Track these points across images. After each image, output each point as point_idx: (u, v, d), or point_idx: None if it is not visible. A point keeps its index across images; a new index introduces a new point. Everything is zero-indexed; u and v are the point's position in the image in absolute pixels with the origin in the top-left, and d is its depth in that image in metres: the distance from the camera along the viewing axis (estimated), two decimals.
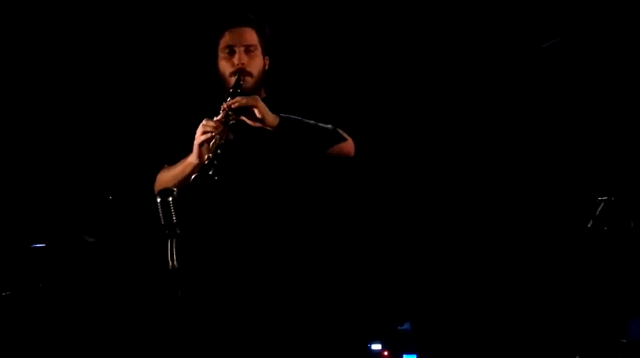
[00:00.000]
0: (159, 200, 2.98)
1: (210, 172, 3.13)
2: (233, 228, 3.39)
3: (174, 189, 3.03)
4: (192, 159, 3.28)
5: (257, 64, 3.45)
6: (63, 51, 4.82)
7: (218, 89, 3.46)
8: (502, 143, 4.62)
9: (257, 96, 3.33)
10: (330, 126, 3.39)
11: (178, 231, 2.97)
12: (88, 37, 4.83)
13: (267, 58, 3.50)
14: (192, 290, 3.26)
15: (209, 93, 3.49)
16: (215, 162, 3.16)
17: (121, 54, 4.83)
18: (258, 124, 3.29)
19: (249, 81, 3.42)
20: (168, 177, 3.38)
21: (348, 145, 3.44)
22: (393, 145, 4.75)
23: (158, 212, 2.97)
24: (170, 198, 2.98)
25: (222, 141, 3.22)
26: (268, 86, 3.54)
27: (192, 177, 3.15)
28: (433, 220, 4.76)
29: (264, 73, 3.49)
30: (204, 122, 3.25)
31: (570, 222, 4.23)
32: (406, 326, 4.43)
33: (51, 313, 4.31)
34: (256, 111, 3.27)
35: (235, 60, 3.42)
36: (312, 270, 3.46)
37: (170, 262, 2.96)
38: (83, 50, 4.83)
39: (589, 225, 3.64)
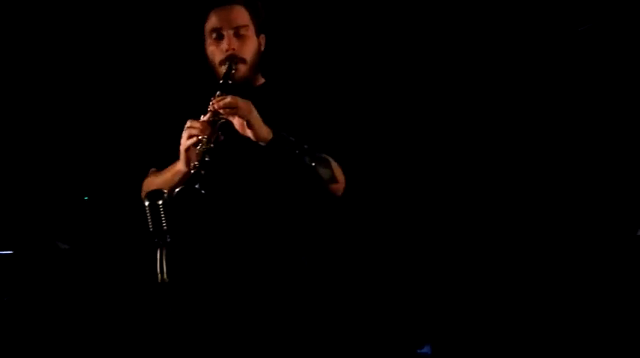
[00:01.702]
0: (147, 203, 2.63)
1: (197, 185, 2.74)
2: (231, 239, 3.02)
3: (165, 191, 2.66)
4: (181, 166, 2.91)
5: (250, 47, 3.05)
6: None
7: (211, 80, 3.06)
8: (529, 151, 4.34)
9: (250, 105, 2.90)
10: (324, 156, 2.95)
11: (169, 240, 2.62)
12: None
13: (262, 36, 3.11)
14: (185, 308, 2.90)
15: (201, 85, 3.11)
16: (202, 172, 2.77)
17: (100, 41, 4.40)
18: (248, 134, 2.91)
19: (242, 69, 3.03)
20: (157, 184, 2.99)
21: (338, 187, 3.04)
22: (400, 153, 4.38)
23: (145, 217, 2.62)
24: (160, 202, 2.63)
25: (211, 146, 2.83)
26: (266, 69, 3.15)
27: (176, 191, 2.74)
28: (458, 238, 4.43)
29: (260, 55, 3.10)
30: (188, 124, 2.86)
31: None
32: (426, 349, 4.17)
33: (15, 331, 3.88)
34: (249, 123, 2.89)
35: (224, 45, 3.02)
36: (324, 288, 3.10)
37: (159, 275, 2.61)
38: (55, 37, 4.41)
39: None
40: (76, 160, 4.38)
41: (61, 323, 3.96)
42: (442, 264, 4.40)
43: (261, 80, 3.15)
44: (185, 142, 2.86)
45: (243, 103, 2.88)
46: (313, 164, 2.90)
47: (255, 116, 2.89)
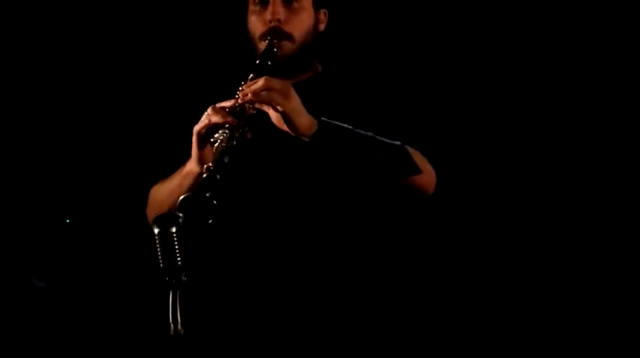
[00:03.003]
0: (157, 231, 2.01)
1: (208, 194, 2.12)
2: (261, 278, 2.40)
3: (180, 214, 2.05)
4: (192, 165, 2.32)
5: (302, 20, 2.46)
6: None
7: (248, 59, 2.46)
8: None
9: (289, 88, 2.29)
10: (398, 143, 2.38)
11: (184, 279, 2.04)
12: None
13: (322, 11, 2.52)
14: None
15: (234, 66, 2.51)
16: (217, 177, 2.15)
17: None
18: (284, 128, 2.30)
19: (287, 47, 2.44)
20: (164, 194, 2.42)
21: (424, 179, 2.43)
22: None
23: (155, 248, 2.02)
24: (174, 229, 2.01)
25: (233, 143, 2.23)
26: (325, 56, 2.55)
27: (180, 199, 2.12)
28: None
29: (316, 36, 2.50)
30: (209, 110, 2.26)
31: None
32: None
33: None
34: (284, 111, 2.28)
35: (267, 15, 2.43)
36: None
37: (172, 324, 2.02)
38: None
39: None
40: (54, 163, 3.61)
41: None
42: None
43: (318, 67, 2.56)
44: (200, 132, 2.26)
45: (279, 85, 2.27)
46: (382, 153, 2.30)
47: (294, 102, 2.28)
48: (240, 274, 2.42)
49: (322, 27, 2.52)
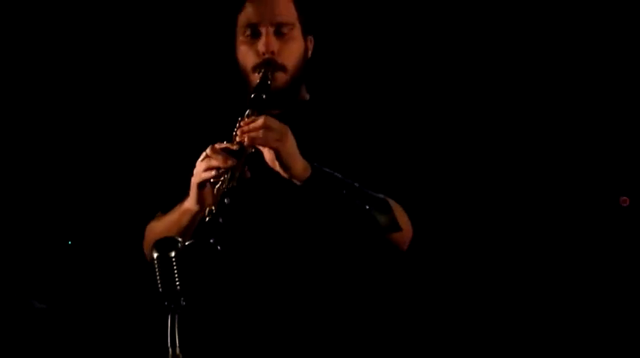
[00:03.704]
0: (156, 255, 2.02)
1: (212, 240, 2.13)
2: (260, 312, 2.41)
3: (179, 238, 2.05)
4: (190, 204, 2.31)
5: (294, 51, 2.44)
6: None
7: (239, 90, 2.46)
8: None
9: (285, 131, 2.29)
10: (381, 196, 2.39)
11: (183, 303, 2.03)
12: None
13: (309, 38, 2.51)
14: None
15: (225, 97, 2.52)
16: (220, 220, 2.16)
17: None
18: (278, 169, 2.31)
19: (281, 79, 2.42)
20: (161, 230, 2.40)
21: (401, 236, 2.45)
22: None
23: (154, 272, 2.02)
24: (173, 253, 2.01)
25: (234, 184, 2.22)
26: (311, 81, 2.55)
27: (186, 243, 2.08)
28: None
29: (306, 63, 2.49)
30: (208, 151, 2.25)
31: None
32: None
33: None
34: (279, 154, 2.28)
35: (261, 46, 2.41)
36: None
37: (170, 349, 2.02)
38: None
39: None
40: (56, 188, 3.63)
41: None
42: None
43: (305, 96, 2.56)
44: (200, 175, 2.25)
45: (277, 126, 2.28)
46: (367, 207, 2.31)
47: (290, 146, 2.29)
48: (236, 306, 2.42)
49: (309, 53, 2.51)
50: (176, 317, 2.02)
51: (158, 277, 2.02)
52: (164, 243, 2.04)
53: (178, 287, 2.02)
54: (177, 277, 2.02)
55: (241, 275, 2.41)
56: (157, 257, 2.02)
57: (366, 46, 3.55)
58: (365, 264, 2.49)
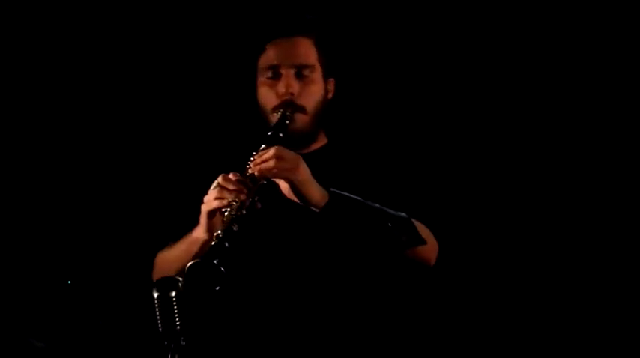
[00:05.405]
0: (156, 295, 2.03)
1: (216, 261, 2.12)
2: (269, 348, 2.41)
3: (180, 279, 2.06)
4: (200, 233, 2.31)
5: (314, 93, 2.46)
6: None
7: (259, 128, 2.48)
8: None
9: (298, 159, 2.32)
10: (404, 214, 2.39)
11: (183, 343, 2.04)
12: None
13: (330, 80, 2.52)
14: None
15: (243, 135, 2.53)
16: (226, 245, 2.16)
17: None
18: (293, 198, 2.33)
19: (300, 120, 2.44)
20: (170, 259, 2.41)
21: (427, 250, 2.46)
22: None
23: (154, 312, 2.03)
24: (173, 293, 2.03)
25: (243, 212, 2.23)
26: (331, 125, 2.57)
27: (188, 265, 2.11)
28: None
29: (325, 105, 2.51)
30: (220, 180, 2.25)
31: None
32: None
33: None
34: (293, 182, 2.31)
35: (281, 88, 2.43)
36: None
37: None
38: None
39: None
40: (58, 224, 3.59)
41: None
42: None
43: (324, 140, 2.57)
44: (210, 204, 2.26)
45: (289, 155, 2.29)
46: (390, 225, 2.31)
47: (302, 174, 2.30)
48: (244, 341, 2.42)
49: (330, 95, 2.53)
50: (176, 356, 2.04)
51: (158, 316, 2.03)
52: (164, 283, 2.05)
53: (178, 327, 2.03)
54: (178, 317, 2.04)
55: (259, 302, 2.40)
56: (158, 296, 2.04)
57: (383, 91, 3.53)
58: (389, 288, 2.51)
